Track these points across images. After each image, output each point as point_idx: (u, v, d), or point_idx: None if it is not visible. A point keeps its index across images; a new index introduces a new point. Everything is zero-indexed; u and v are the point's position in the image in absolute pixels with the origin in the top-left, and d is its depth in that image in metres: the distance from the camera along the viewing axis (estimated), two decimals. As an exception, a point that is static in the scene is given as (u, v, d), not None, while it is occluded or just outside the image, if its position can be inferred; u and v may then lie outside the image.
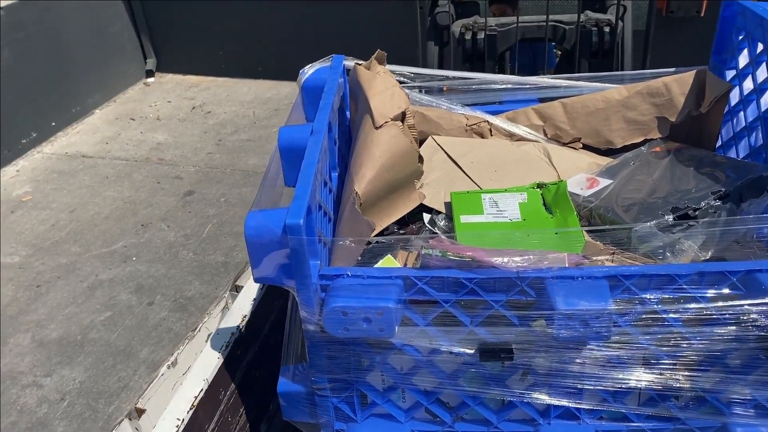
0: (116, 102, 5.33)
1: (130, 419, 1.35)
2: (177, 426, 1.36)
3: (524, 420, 1.35)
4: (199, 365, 1.52)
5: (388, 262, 1.47)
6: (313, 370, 1.33)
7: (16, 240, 3.68)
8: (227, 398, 1.57)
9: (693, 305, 1.16)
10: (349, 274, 1.23)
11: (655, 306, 1.18)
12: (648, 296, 1.17)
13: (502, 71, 2.62)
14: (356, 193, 1.36)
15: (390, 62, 1.75)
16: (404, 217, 1.66)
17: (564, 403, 1.31)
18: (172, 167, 4.29)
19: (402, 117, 1.47)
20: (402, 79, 1.79)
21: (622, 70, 2.59)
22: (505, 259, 1.19)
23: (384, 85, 1.47)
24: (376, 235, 1.62)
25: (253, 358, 1.70)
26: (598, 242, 1.33)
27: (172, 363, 1.49)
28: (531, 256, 1.20)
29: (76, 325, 3.10)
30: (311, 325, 1.24)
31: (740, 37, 1.60)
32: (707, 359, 1.23)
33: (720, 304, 1.15)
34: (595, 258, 1.29)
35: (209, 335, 1.61)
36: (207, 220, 3.70)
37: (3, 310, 3.20)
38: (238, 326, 1.63)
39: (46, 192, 4.12)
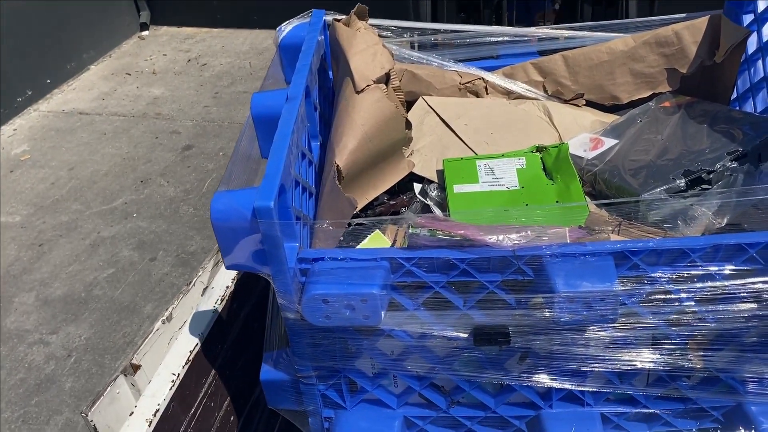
0: (111, 57, 5.21)
1: (125, 375, 1.32)
2: (173, 381, 1.33)
3: (524, 404, 1.26)
4: (195, 320, 1.47)
5: (375, 238, 1.36)
6: (296, 358, 1.24)
7: (16, 199, 3.65)
8: (224, 353, 1.53)
9: (708, 283, 1.06)
10: (330, 257, 1.13)
11: (666, 284, 1.07)
12: (658, 274, 1.07)
13: (500, 22, 2.45)
14: (337, 166, 1.24)
15: (379, 15, 1.60)
16: (394, 187, 1.54)
17: (566, 386, 1.22)
18: (169, 122, 4.21)
19: (386, 79, 1.33)
20: (388, 34, 1.65)
21: (628, 17, 2.42)
22: (500, 237, 1.08)
23: (365, 44, 1.33)
24: (364, 208, 1.51)
25: (250, 312, 1.65)
26: (603, 212, 1.22)
27: (167, 318, 1.45)
28: (529, 232, 1.10)
29: (80, 283, 3.12)
30: (291, 313, 1.15)
31: (759, -23, 1.45)
32: (722, 338, 1.13)
33: (737, 281, 1.04)
34: (598, 231, 1.17)
35: (204, 289, 1.54)
36: (206, 175, 3.65)
37: (6, 269, 3.20)
38: (233, 280, 1.57)
39: (44, 150, 4.06)
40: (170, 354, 1.39)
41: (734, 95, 1.57)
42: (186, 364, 1.37)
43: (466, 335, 1.17)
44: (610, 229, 1.17)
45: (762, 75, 1.44)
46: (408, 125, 1.40)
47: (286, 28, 1.59)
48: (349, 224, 1.19)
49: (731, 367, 1.16)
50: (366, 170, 1.34)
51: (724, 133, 1.34)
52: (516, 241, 1.08)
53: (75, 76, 4.88)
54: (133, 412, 1.27)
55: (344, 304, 1.08)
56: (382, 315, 1.11)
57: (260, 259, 1.10)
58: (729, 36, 1.44)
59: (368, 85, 1.28)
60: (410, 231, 1.11)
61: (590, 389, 1.22)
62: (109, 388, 1.28)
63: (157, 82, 4.74)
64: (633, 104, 1.61)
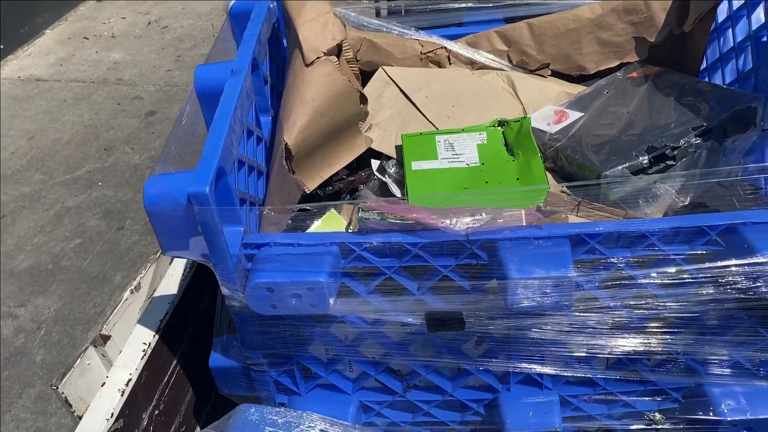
0: (67, 20, 5.02)
1: (95, 346, 1.30)
2: (144, 350, 1.30)
3: (482, 387, 1.23)
4: (164, 288, 1.45)
5: (330, 219, 1.31)
6: (245, 346, 1.19)
7: (-26, 170, 3.54)
8: (196, 320, 1.50)
9: (667, 267, 1.02)
10: (276, 242, 1.08)
11: (624, 268, 1.03)
12: (616, 257, 1.03)
13: None
14: (285, 144, 1.17)
15: None
16: (353, 163, 1.48)
17: (524, 369, 1.19)
18: (131, 87, 4.09)
19: (338, 50, 1.26)
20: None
21: None
22: (453, 220, 1.03)
23: (315, 12, 1.25)
24: (323, 184, 1.45)
25: None
26: (562, 192, 1.17)
27: (135, 287, 1.44)
28: (483, 215, 1.05)
29: (46, 254, 3.07)
30: (235, 302, 1.10)
31: (731, -59, 1.38)
32: (682, 321, 1.10)
33: (698, 265, 1.00)
34: (556, 212, 1.13)
35: (173, 258, 1.50)
36: (172, 141, 3.60)
37: (-32, 242, 3.11)
38: None
39: (2, 119, 3.93)
40: (141, 323, 1.37)
41: (704, 65, 1.52)
42: (157, 333, 1.35)
43: (420, 321, 1.13)
44: (569, 210, 1.12)
45: (732, 45, 1.38)
46: (363, 99, 1.34)
47: (237, -6, 1.49)
48: (292, 210, 1.13)
49: (691, 350, 1.13)
50: (319, 148, 1.28)
51: (690, 106, 1.29)
52: (469, 225, 1.03)
53: (30, 41, 4.69)
54: (104, 383, 1.25)
55: (290, 292, 1.03)
56: (331, 303, 1.06)
57: (200, 247, 1.04)
58: (698, 4, 1.38)
59: (318, 58, 1.20)
60: (360, 215, 1.06)
61: (549, 372, 1.19)
62: (80, 359, 1.26)
63: (117, 46, 4.58)
64: (600, 74, 1.55)
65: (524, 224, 1.06)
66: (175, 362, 1.40)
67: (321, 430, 1.14)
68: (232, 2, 1.48)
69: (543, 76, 1.55)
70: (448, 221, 1.03)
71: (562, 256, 1.00)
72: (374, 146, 1.42)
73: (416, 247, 1.05)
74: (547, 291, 0.99)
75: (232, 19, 1.48)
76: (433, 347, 1.19)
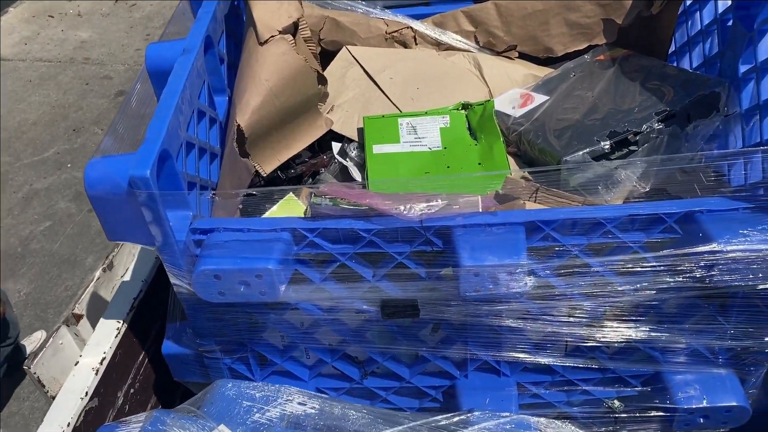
0: (31, -2, 4.89)
1: (68, 325, 1.31)
2: (117, 329, 1.28)
3: (439, 373, 1.22)
4: (137, 266, 1.42)
5: (288, 203, 1.28)
6: (196, 334, 1.16)
7: (-63, 152, 3.47)
8: (170, 297, 1.47)
9: (624, 255, 1.00)
10: (226, 227, 1.04)
11: (580, 255, 1.02)
12: (572, 244, 1.01)
13: None
14: (238, 126, 1.14)
15: None
16: (314, 145, 1.45)
17: (481, 356, 1.17)
18: (99, 67, 4.00)
19: (294, 29, 1.22)
20: (308, -22, 1.52)
21: None
22: (407, 206, 1.00)
23: (270, -10, 1.21)
24: (284, 167, 1.42)
25: None
26: (522, 177, 1.15)
27: (107, 266, 1.43)
28: (439, 201, 1.02)
29: (15, 237, 3.02)
30: (183, 289, 1.07)
31: None
32: (640, 309, 1.09)
33: (654, 254, 0.99)
34: (513, 198, 1.11)
35: None
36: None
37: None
38: None
39: (-34, 100, 3.84)
40: (114, 302, 1.34)
41: (672, 48, 1.49)
42: (131, 311, 1.32)
43: (376, 308, 1.11)
44: (527, 196, 1.10)
45: (699, 28, 1.36)
46: (322, 79, 1.30)
47: (196, -31, 1.44)
48: (238, 195, 1.10)
49: (649, 338, 1.12)
50: (276, 129, 1.24)
51: (654, 91, 1.26)
52: (424, 211, 1.00)
53: (-8, 19, 4.58)
54: (78, 362, 1.23)
55: (238, 279, 1.00)
56: (281, 290, 1.03)
57: (144, 232, 1.01)
58: (667, -15, 1.35)
59: (272, 36, 1.16)
60: (311, 200, 1.03)
61: (506, 359, 1.18)
62: (52, 339, 1.25)
63: (84, 24, 4.47)
64: (568, 57, 1.52)
65: (480, 210, 1.03)
66: (149, 340, 1.37)
67: (299, 402, 1.13)
68: (190, -22, 1.43)
69: (510, 58, 1.52)
70: (402, 207, 1.00)
71: (516, 244, 0.97)
72: (336, 128, 1.39)
73: (370, 233, 1.03)
74: (500, 279, 0.97)
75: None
76: (390, 334, 1.17)
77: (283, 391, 1.13)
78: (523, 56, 1.54)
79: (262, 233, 1.04)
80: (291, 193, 1.32)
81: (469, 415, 1.08)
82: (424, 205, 1.01)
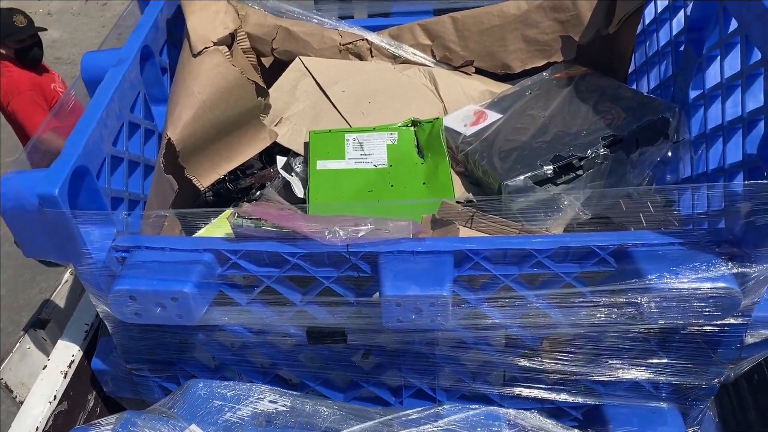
0: (0, -4, 4.84)
1: (35, 329, 1.30)
2: (86, 332, 1.27)
3: (374, 399, 1.18)
4: None
5: (224, 220, 1.24)
6: (121, 352, 1.13)
7: None
8: None
9: (556, 287, 0.97)
10: (147, 245, 1.01)
11: (512, 285, 0.98)
12: (503, 274, 0.97)
13: None
14: (168, 139, 1.10)
15: None
16: (263, 156, 1.42)
17: (415, 383, 1.14)
18: (71, 66, 3.96)
19: (231, 40, 1.18)
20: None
21: None
22: (333, 230, 0.96)
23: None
24: (233, 178, 1.39)
25: None
26: (457, 202, 1.11)
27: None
28: (368, 224, 0.98)
29: None
30: (102, 308, 1.03)
31: (659, -60, 1.31)
32: (577, 340, 1.05)
33: (589, 288, 0.95)
34: (448, 222, 1.07)
35: None
36: (115, 122, 3.49)
37: None
38: None
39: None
40: (82, 304, 1.32)
41: (632, 67, 1.45)
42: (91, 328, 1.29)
43: (304, 332, 1.07)
44: (462, 221, 1.06)
45: (656, 49, 1.32)
46: (262, 92, 1.26)
47: (144, -25, 1.41)
48: (154, 216, 1.06)
49: (587, 370, 1.08)
50: (212, 142, 1.21)
51: (605, 113, 1.23)
52: (350, 235, 0.97)
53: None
54: (46, 366, 1.21)
55: (154, 301, 0.97)
56: (200, 313, 1.00)
57: (61, 249, 0.97)
58: (624, 4, 1.32)
59: (206, 48, 1.13)
60: (233, 221, 1.00)
61: (442, 386, 1.14)
62: (18, 344, 1.24)
63: (54, 23, 4.42)
64: (527, 73, 1.48)
65: (410, 236, 1.00)
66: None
67: (271, 401, 1.11)
68: (140, -17, 1.40)
69: (467, 74, 1.49)
70: (326, 232, 0.96)
71: (441, 274, 0.94)
72: (282, 142, 1.35)
73: (295, 256, 0.99)
74: (423, 309, 0.94)
75: (140, 1, 1.40)
76: (321, 358, 1.13)
77: (254, 390, 1.12)
78: (480, 72, 1.50)
79: (184, 253, 1.00)
80: (231, 208, 1.29)
81: (439, 408, 1.06)
82: (351, 229, 0.97)
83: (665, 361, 1.06)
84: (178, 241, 1.03)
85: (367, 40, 1.48)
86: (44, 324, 1.32)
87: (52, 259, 1.01)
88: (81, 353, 1.23)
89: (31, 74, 2.87)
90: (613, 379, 1.10)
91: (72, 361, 1.21)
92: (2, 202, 0.93)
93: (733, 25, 1.01)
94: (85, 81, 1.18)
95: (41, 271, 2.88)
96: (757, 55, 0.94)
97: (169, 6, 1.31)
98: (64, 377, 1.19)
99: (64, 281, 1.40)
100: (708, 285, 0.90)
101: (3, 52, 2.85)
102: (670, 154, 1.17)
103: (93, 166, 0.98)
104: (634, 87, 1.42)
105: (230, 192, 1.43)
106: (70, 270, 1.43)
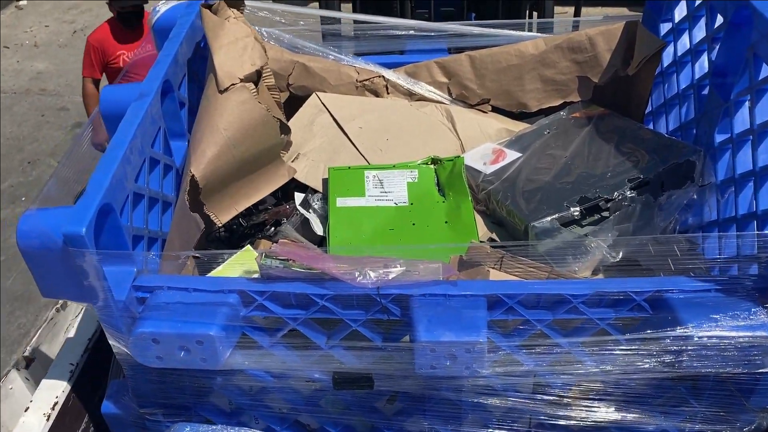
0: (-14, 28, 4.84)
1: (18, 369, 1.26)
2: (71, 371, 1.23)
3: (397, 446, 1.14)
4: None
5: (246, 255, 1.21)
6: (135, 396, 1.09)
7: None
8: None
9: (591, 334, 0.95)
10: (170, 286, 0.98)
11: (545, 330, 0.96)
12: (536, 319, 0.95)
13: (402, 6, 2.29)
14: (192, 176, 1.08)
15: None
16: (278, 193, 1.39)
17: (440, 430, 1.10)
18: (56, 98, 3.93)
19: (257, 77, 1.17)
20: (280, 20, 1.48)
21: (543, 6, 2.31)
22: (363, 272, 0.94)
23: (233, 36, 1.16)
24: (247, 214, 1.36)
25: None
26: (485, 244, 1.09)
27: (60, 306, 1.38)
28: (398, 266, 0.96)
29: None
30: (121, 350, 0.99)
31: (679, -16, 1.33)
32: (607, 387, 1.03)
33: (624, 335, 0.93)
34: (478, 264, 1.05)
35: None
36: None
37: None
38: None
39: None
40: (68, 343, 1.28)
41: (649, 108, 1.46)
42: (85, 352, 1.26)
43: (328, 376, 1.04)
44: (492, 263, 1.04)
45: (676, 91, 1.33)
46: (285, 129, 1.25)
47: (163, 8, 1.40)
48: (179, 257, 1.04)
49: (616, 418, 1.06)
50: (234, 179, 1.19)
51: (628, 155, 1.23)
52: (380, 277, 0.94)
53: (-54, 49, 4.52)
54: (28, 407, 1.16)
55: (177, 345, 0.93)
56: (225, 357, 0.96)
57: (81, 290, 0.94)
58: (643, 46, 1.33)
59: (233, 84, 1.11)
60: (261, 261, 0.97)
61: (467, 433, 1.11)
62: (1, 384, 1.21)
63: (40, 55, 4.41)
64: (543, 112, 1.49)
65: (441, 278, 0.98)
66: (108, 382, 1.30)
67: None
68: (157, 17, 1.39)
69: (483, 112, 1.49)
70: (356, 273, 0.94)
71: (476, 318, 0.92)
72: (300, 178, 1.33)
73: (323, 298, 0.97)
74: (458, 356, 0.91)
75: (156, 35, 1.39)
76: (344, 403, 1.10)
77: (242, 435, 1.07)
78: (496, 110, 1.50)
79: (208, 294, 0.97)
80: (249, 245, 1.26)
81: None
82: (382, 271, 0.95)
83: (696, 408, 1.05)
84: (202, 281, 1.00)
85: (383, 76, 1.48)
86: (28, 363, 1.29)
87: (70, 299, 0.97)
88: (65, 394, 1.19)
89: (107, 34, 3.31)
90: (641, 427, 1.07)
91: (56, 403, 1.17)
92: (22, 241, 0.90)
93: (764, 70, 1.01)
94: (104, 114, 1.15)
95: (20, 305, 2.81)
96: (791, 103, 0.95)
97: (188, 40, 1.30)
98: (47, 420, 1.14)
99: (49, 318, 1.36)
100: (748, 333, 0.89)
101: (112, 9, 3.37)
102: (695, 196, 1.17)
103: (117, 203, 0.95)
104: (652, 128, 1.42)
105: (243, 228, 1.40)
106: (55, 307, 1.40)
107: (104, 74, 3.33)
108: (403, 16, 2.34)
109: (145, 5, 3.30)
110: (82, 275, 0.90)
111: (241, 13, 1.27)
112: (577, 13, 2.49)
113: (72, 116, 3.80)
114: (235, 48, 1.14)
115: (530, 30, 1.48)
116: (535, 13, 2.56)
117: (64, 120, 3.78)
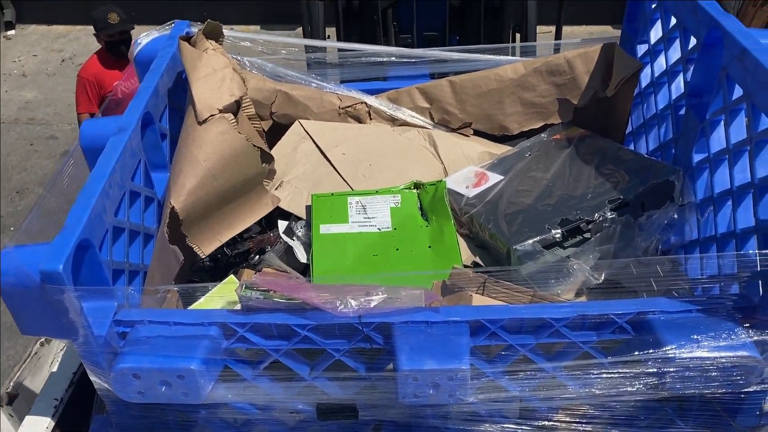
0: (-26, 58, 4.85)
1: (1, 405, 1.26)
2: (55, 407, 1.21)
3: (384, 475, 1.13)
4: None
5: (229, 285, 1.21)
6: (120, 430, 1.07)
7: None
8: None
9: (574, 357, 0.95)
10: (151, 320, 0.97)
11: (528, 355, 0.96)
12: (519, 344, 0.95)
13: (386, 31, 2.32)
14: (172, 208, 1.08)
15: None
16: (262, 221, 1.39)
17: (427, 458, 1.09)
18: (45, 127, 3.94)
19: (236, 107, 1.17)
20: (261, 49, 1.49)
21: (525, 27, 2.34)
22: (345, 301, 0.94)
23: (212, 67, 1.17)
24: (231, 242, 1.35)
25: None
26: (468, 268, 1.09)
27: (45, 340, 1.37)
28: (380, 293, 0.96)
29: None
30: (102, 386, 0.98)
31: (653, 6, 1.34)
32: (591, 408, 1.03)
33: (605, 359, 0.93)
34: (460, 289, 1.05)
35: None
36: (89, 182, 3.47)
37: None
38: None
39: None
40: (52, 378, 1.27)
41: (630, 128, 1.47)
42: (70, 387, 1.25)
43: (313, 407, 1.03)
44: (474, 288, 1.04)
45: (654, 111, 1.34)
46: (267, 157, 1.25)
47: (144, 40, 1.41)
48: (158, 291, 1.03)
49: (604, 439, 1.05)
50: (216, 210, 1.18)
51: (608, 176, 1.23)
52: (362, 306, 0.94)
53: (-67, 79, 4.53)
54: None
55: (159, 379, 0.93)
56: (207, 391, 0.96)
57: (60, 327, 0.93)
58: (621, 68, 1.34)
59: (212, 116, 1.11)
60: (241, 293, 0.96)
61: (454, 461, 1.10)
62: None
63: (29, 84, 4.41)
64: (524, 134, 1.50)
65: (423, 305, 0.97)
66: (91, 417, 1.29)
67: None
68: (139, 49, 1.40)
69: (465, 135, 1.49)
70: (338, 302, 0.94)
71: (458, 345, 0.91)
72: (283, 206, 1.33)
73: (305, 329, 0.96)
74: (440, 384, 0.91)
75: (138, 67, 1.40)
76: (329, 433, 1.09)
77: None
78: (478, 133, 1.51)
79: (189, 327, 0.97)
80: (232, 275, 1.26)
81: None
82: (363, 299, 0.95)
83: (683, 429, 1.04)
84: (183, 314, 0.99)
85: (365, 103, 1.48)
86: (11, 399, 1.28)
87: (50, 336, 0.96)
88: (49, 431, 1.17)
89: (100, 67, 3.34)
90: (629, 450, 1.07)
91: None
92: (1, 278, 0.89)
93: (737, 91, 1.03)
94: (84, 148, 1.15)
95: (10, 337, 2.78)
96: (765, 122, 0.96)
97: (169, 72, 1.30)
98: None
99: (33, 353, 1.35)
100: (729, 354, 0.89)
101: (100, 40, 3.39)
102: (675, 216, 1.17)
103: (96, 238, 0.95)
104: (633, 148, 1.44)
105: (228, 257, 1.39)
106: (39, 341, 1.39)
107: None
108: (386, 41, 2.36)
109: (132, 31, 3.35)
110: (61, 312, 0.90)
111: (220, 44, 1.28)
112: (558, 32, 2.52)
113: (61, 145, 3.80)
114: (213, 79, 1.15)
115: (513, 53, 1.49)
116: (518, 35, 2.59)
117: (53, 149, 3.78)
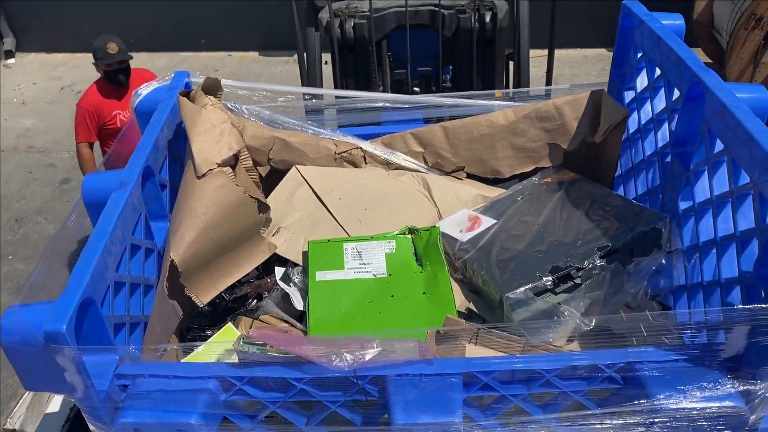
0: (-26, 87, 4.90)
1: None
2: None
3: None
4: None
5: (227, 333, 1.23)
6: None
7: None
8: None
9: (568, 407, 0.97)
10: (151, 373, 0.99)
11: (521, 404, 0.98)
12: (511, 394, 0.97)
13: (380, 61, 2.37)
14: (172, 260, 1.10)
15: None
16: (259, 266, 1.42)
17: (424, 506, 1.11)
18: (44, 155, 3.97)
19: (234, 160, 1.21)
20: (259, 98, 1.53)
21: (518, 55, 2.40)
22: (340, 355, 0.96)
23: (210, 123, 1.20)
24: (230, 288, 1.38)
25: None
26: (460, 319, 1.12)
27: None
28: (374, 346, 0.98)
29: None
30: (104, 439, 1.00)
31: (639, 55, 1.38)
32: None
33: (595, 410, 0.95)
34: (454, 339, 1.07)
35: None
36: (88, 210, 3.48)
37: None
38: None
39: None
40: (49, 413, 1.28)
41: (619, 171, 1.51)
42: (66, 422, 1.26)
43: (309, 456, 1.05)
44: (467, 337, 1.07)
45: (642, 157, 1.37)
46: (263, 208, 1.28)
47: (144, 91, 1.45)
48: (158, 351, 1.05)
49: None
50: (214, 260, 1.21)
51: (598, 222, 1.26)
52: (356, 359, 0.96)
53: (-66, 107, 4.57)
54: None
55: (159, 434, 0.95)
56: (206, 444, 0.98)
57: (63, 383, 0.95)
58: (609, 114, 1.38)
59: (210, 170, 1.15)
60: (239, 347, 0.99)
61: None
62: None
63: (28, 112, 4.45)
64: (516, 176, 1.53)
65: (417, 357, 1.00)
66: None
67: None
68: (139, 100, 1.43)
69: (459, 179, 1.53)
70: (333, 356, 0.96)
71: (451, 398, 0.94)
72: (280, 252, 1.36)
73: (301, 382, 0.98)
74: (435, 436, 0.93)
75: (138, 118, 1.43)
76: (327, 482, 1.10)
77: None
78: (471, 177, 1.54)
79: (189, 380, 0.99)
80: (230, 322, 1.28)
81: None
82: (358, 353, 0.97)
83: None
84: (183, 367, 1.01)
85: (361, 148, 1.52)
86: None
87: (53, 392, 0.99)
88: None
89: (98, 96, 3.38)
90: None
91: None
92: (5, 338, 0.92)
93: (719, 144, 1.06)
94: (86, 202, 1.18)
95: (7, 366, 2.77)
96: (744, 177, 0.99)
97: (169, 124, 1.34)
98: None
99: None
100: (716, 404, 0.91)
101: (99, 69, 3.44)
102: (663, 262, 1.20)
103: (98, 295, 0.98)
104: (622, 192, 1.47)
105: (226, 302, 1.42)
106: None
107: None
108: (381, 70, 2.40)
109: (130, 61, 3.42)
110: (64, 370, 0.92)
111: (219, 99, 1.32)
112: (550, 56, 2.57)
113: (59, 172, 3.83)
114: (212, 134, 1.19)
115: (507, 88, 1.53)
116: (511, 62, 2.64)
117: (52, 176, 3.81)
